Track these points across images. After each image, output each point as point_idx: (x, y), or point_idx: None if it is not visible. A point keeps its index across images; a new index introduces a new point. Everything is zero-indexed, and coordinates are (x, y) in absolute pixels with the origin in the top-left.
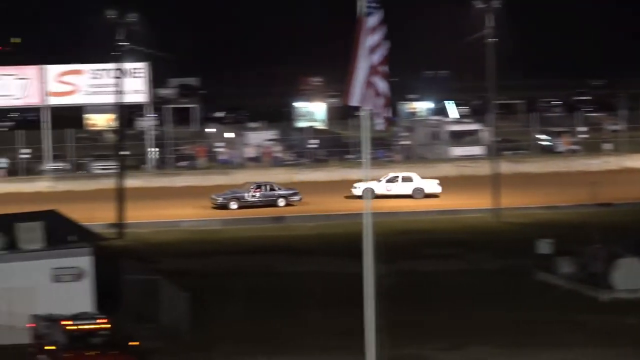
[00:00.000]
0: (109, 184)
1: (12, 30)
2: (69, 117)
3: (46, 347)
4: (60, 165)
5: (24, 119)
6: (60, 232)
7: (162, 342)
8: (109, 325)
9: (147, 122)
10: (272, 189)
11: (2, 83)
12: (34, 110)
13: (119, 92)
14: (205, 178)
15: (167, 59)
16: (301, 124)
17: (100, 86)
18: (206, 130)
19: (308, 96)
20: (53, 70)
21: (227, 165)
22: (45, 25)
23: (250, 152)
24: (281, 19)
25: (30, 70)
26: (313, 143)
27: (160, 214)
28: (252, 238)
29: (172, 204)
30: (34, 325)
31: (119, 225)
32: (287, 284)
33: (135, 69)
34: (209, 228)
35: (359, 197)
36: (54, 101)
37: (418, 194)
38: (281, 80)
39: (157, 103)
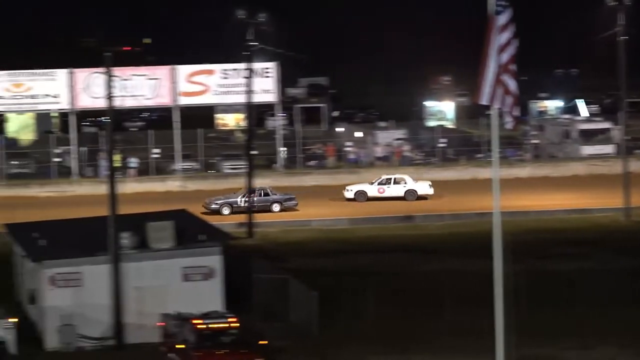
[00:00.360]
0: (239, 183)
1: (144, 31)
2: (199, 116)
3: (176, 346)
4: (190, 164)
5: (154, 119)
6: (191, 231)
7: (291, 341)
8: (239, 324)
9: (277, 122)
10: (266, 194)
11: (133, 83)
12: (163, 110)
13: (249, 92)
14: (334, 177)
15: (296, 59)
16: (431, 122)
17: (230, 86)
18: (335, 129)
19: (438, 95)
20: (184, 70)
21: (356, 164)
22: (175, 25)
23: (379, 151)
24: (411, 17)
25: (161, 71)
26: (442, 142)
27: (290, 214)
28: (381, 237)
29: (301, 203)
30: (164, 323)
31: (249, 225)
32: (417, 283)
33: (265, 68)
34: (338, 227)
35: (352, 199)
36: (185, 101)
37: (411, 195)
38: (411, 79)
39: (287, 102)
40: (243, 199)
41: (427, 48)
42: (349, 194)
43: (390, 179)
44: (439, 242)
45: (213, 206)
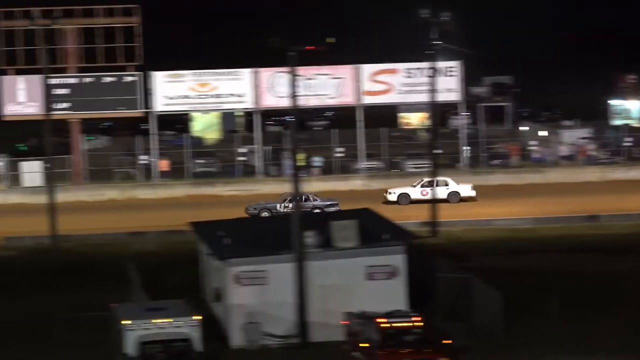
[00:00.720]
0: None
1: (327, 30)
2: (382, 115)
3: (360, 345)
4: (373, 163)
5: (337, 118)
6: (374, 230)
7: (475, 342)
8: (423, 323)
9: (460, 121)
10: (306, 200)
11: (317, 82)
12: (346, 109)
13: (433, 91)
14: (518, 177)
15: (480, 57)
16: (616, 121)
17: (413, 85)
18: (519, 128)
19: (624, 93)
20: (367, 69)
21: (541, 163)
22: (358, 24)
23: (564, 150)
24: (595, 15)
25: (345, 70)
26: (628, 141)
27: (474, 212)
28: (565, 236)
29: (485, 202)
30: (348, 322)
31: (432, 224)
32: (602, 283)
33: (448, 67)
34: (521, 227)
35: (394, 202)
36: (368, 100)
37: (453, 197)
38: (596, 78)
39: (470, 101)
40: (282, 205)
41: (612, 46)
42: (392, 196)
43: (433, 181)
44: (626, 242)
45: (251, 211)
